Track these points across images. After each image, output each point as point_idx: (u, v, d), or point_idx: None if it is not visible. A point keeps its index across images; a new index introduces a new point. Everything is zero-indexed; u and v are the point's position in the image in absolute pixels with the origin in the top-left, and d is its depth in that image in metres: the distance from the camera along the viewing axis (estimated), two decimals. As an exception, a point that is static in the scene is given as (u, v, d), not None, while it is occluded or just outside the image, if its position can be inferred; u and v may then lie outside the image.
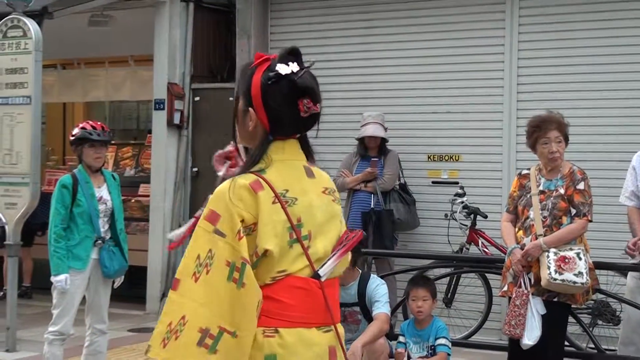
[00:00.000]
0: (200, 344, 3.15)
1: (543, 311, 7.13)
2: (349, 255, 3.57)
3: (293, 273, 3.33)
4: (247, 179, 3.31)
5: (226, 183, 3.31)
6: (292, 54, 3.47)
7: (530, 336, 7.13)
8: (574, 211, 7.27)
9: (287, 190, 3.35)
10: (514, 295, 7.24)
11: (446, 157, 10.93)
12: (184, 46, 12.40)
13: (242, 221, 3.24)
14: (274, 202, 3.30)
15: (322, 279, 3.36)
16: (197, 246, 3.26)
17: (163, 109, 12.30)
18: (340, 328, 3.48)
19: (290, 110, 3.40)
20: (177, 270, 3.27)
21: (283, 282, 3.31)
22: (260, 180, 3.31)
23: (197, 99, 12.52)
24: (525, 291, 7.19)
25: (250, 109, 3.41)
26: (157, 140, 12.42)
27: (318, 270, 3.36)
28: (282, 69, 3.39)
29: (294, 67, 3.42)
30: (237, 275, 3.19)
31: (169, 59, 12.31)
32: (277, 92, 3.38)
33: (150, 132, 12.86)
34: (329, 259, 3.41)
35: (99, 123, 8.52)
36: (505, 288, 7.40)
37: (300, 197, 3.39)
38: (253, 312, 3.20)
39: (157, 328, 3.25)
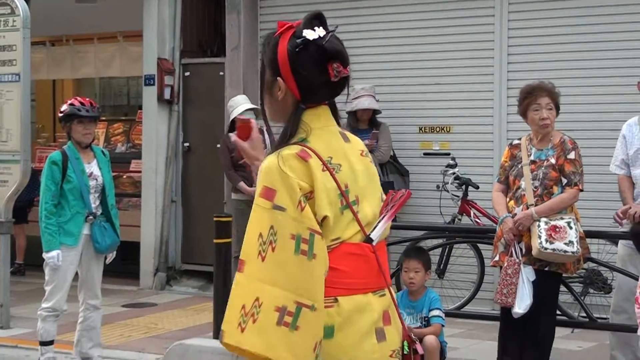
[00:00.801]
0: (279, 323, 3.08)
1: (533, 278, 7.16)
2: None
3: (346, 240, 3.29)
4: (292, 149, 3.26)
5: (272, 157, 3.24)
6: (317, 19, 3.40)
7: (521, 305, 7.16)
8: (565, 181, 7.29)
9: (331, 157, 3.32)
10: (505, 265, 7.26)
11: (437, 129, 10.93)
12: (173, 21, 12.39)
13: (300, 189, 3.19)
14: (323, 170, 3.26)
15: (374, 243, 3.33)
16: (257, 225, 3.19)
17: (153, 84, 12.29)
18: (392, 291, 3.44)
19: (320, 75, 3.33)
20: (241, 252, 3.20)
21: (338, 250, 3.28)
22: (306, 149, 3.27)
23: (187, 74, 12.51)
24: (517, 260, 7.22)
25: (278, 78, 3.35)
26: (148, 116, 12.42)
27: (370, 234, 3.33)
28: (309, 34, 3.32)
29: (320, 31, 3.36)
30: (305, 247, 3.14)
31: (158, 35, 12.29)
32: (306, 58, 3.32)
33: (140, 108, 12.85)
34: (379, 222, 3.38)
35: (87, 99, 8.53)
36: (497, 258, 7.43)
37: (344, 163, 3.36)
38: (323, 282, 3.17)
39: (228, 313, 3.15)
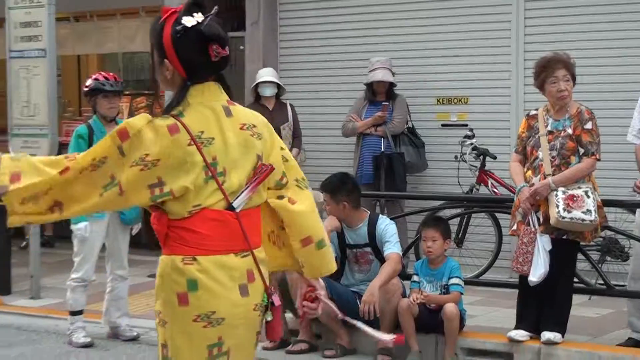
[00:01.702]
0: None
1: (549, 247, 7.15)
2: (264, 187, 3.77)
3: (208, 206, 3.59)
4: (166, 121, 3.60)
5: (144, 117, 3.65)
6: (196, 5, 3.68)
7: (535, 273, 7.16)
8: (582, 150, 7.28)
9: (202, 132, 3.60)
10: (522, 233, 7.27)
11: (455, 100, 10.90)
12: (195, -4, 12.32)
13: (147, 155, 3.54)
14: (189, 144, 3.56)
15: (237, 210, 3.62)
16: (100, 149, 3.62)
17: (175, 59, 12.22)
18: (260, 253, 3.72)
19: (201, 57, 3.64)
20: (75, 161, 3.63)
21: (198, 215, 3.59)
22: (178, 123, 3.58)
23: (208, 48, 12.44)
24: (533, 229, 7.23)
25: (165, 60, 3.68)
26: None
27: (232, 202, 3.61)
28: (188, 21, 3.62)
29: (198, 17, 3.63)
30: (115, 189, 3.58)
31: (179, 9, 12.23)
32: (187, 42, 3.63)
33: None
34: (242, 191, 3.65)
35: (111, 74, 8.58)
36: (515, 227, 7.44)
37: (217, 137, 3.63)
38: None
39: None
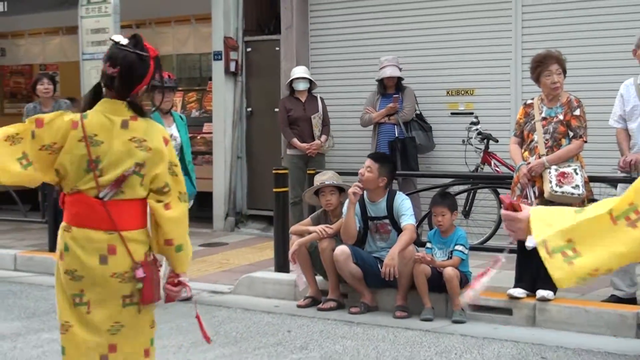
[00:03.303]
0: None
1: None
2: (134, 183, 4.00)
3: (83, 191, 3.98)
4: (74, 117, 4.00)
5: (62, 112, 4.05)
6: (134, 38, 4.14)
7: (532, 239, 7.16)
8: (571, 134, 7.31)
9: (96, 134, 3.95)
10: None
11: (462, 92, 10.90)
12: (237, 5, 12.43)
13: (53, 141, 3.97)
14: (79, 140, 3.95)
15: (104, 199, 3.95)
16: (14, 127, 4.04)
17: (221, 59, 12.36)
18: (132, 234, 3.99)
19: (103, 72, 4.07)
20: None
21: (75, 196, 4.01)
22: (79, 122, 3.97)
23: (249, 49, 12.55)
24: (530, 201, 7.26)
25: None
26: (217, 86, 12.51)
27: (99, 193, 3.95)
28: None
29: (121, 39, 4.13)
30: (24, 162, 4.00)
31: (224, 17, 12.34)
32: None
33: (210, 79, 12.93)
34: (107, 186, 3.96)
35: (166, 72, 8.63)
36: (514, 200, 7.45)
37: (106, 141, 3.95)
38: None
39: None
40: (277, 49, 12.13)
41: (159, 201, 3.98)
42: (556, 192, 7.15)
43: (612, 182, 8.09)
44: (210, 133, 12.77)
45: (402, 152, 10.16)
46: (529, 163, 7.32)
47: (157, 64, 4.13)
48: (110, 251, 3.97)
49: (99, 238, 3.97)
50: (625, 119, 7.50)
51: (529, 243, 7.10)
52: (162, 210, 3.96)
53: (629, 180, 7.35)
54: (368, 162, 7.89)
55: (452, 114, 10.92)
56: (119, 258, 3.98)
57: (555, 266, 2.82)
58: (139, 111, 4.04)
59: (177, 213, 4.00)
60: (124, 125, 3.98)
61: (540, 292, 7.33)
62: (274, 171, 9.01)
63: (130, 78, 4.01)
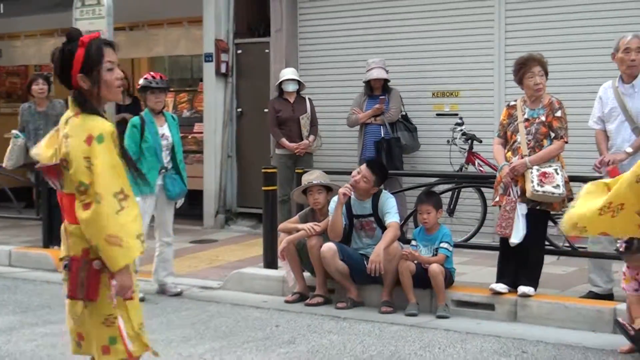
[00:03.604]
0: None
1: (525, 212, 7.22)
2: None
3: None
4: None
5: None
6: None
7: (517, 235, 7.23)
8: (553, 135, 7.33)
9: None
10: (504, 203, 7.33)
11: (447, 94, 10.93)
12: (227, 8, 12.45)
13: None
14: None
15: (63, 191, 4.01)
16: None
17: (212, 61, 12.38)
18: (71, 227, 3.95)
19: None
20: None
21: None
22: None
23: (239, 51, 12.56)
24: (514, 199, 7.29)
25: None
26: (208, 87, 12.52)
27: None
28: None
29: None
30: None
31: (216, 19, 12.36)
32: None
33: (202, 80, 12.93)
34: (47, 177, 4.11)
35: (158, 73, 8.65)
36: (497, 198, 7.50)
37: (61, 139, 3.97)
38: None
39: None
40: (267, 51, 12.14)
41: (80, 200, 3.84)
42: (538, 191, 7.17)
43: (591, 182, 8.08)
44: (201, 133, 12.78)
45: (387, 152, 10.17)
46: (512, 163, 7.34)
47: (91, 48, 3.92)
48: (65, 240, 4.04)
49: (63, 227, 4.05)
50: (604, 121, 7.52)
51: (514, 239, 7.19)
52: (80, 210, 3.82)
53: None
54: (365, 172, 7.82)
55: (437, 114, 10.95)
56: (62, 249, 4.03)
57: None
58: (82, 106, 3.94)
59: (88, 214, 3.79)
60: (67, 121, 3.97)
61: (522, 288, 7.35)
62: (263, 170, 9.00)
63: (60, 69, 3.95)
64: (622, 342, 6.35)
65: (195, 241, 11.32)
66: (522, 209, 7.25)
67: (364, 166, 7.93)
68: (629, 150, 7.28)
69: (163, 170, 8.28)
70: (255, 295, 8.43)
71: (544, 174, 7.23)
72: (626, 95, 7.39)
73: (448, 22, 10.82)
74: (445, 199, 9.85)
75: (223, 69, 12.36)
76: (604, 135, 7.52)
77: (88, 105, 3.94)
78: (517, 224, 7.24)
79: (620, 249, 6.28)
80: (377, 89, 10.44)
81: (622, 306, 6.88)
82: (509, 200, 7.31)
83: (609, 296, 7.49)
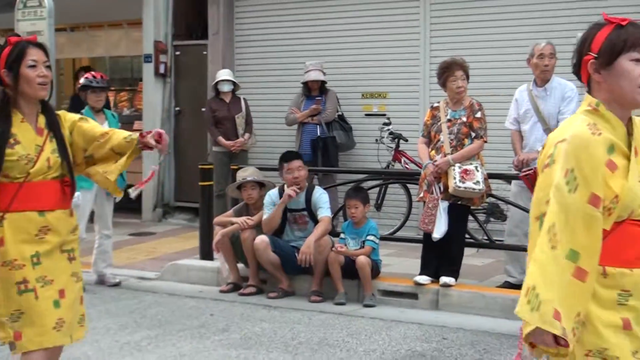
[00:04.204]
0: None
1: (446, 206, 7.31)
2: None
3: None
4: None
5: None
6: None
7: (438, 231, 7.31)
8: (473, 134, 7.42)
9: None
10: (427, 200, 7.40)
11: (376, 95, 11.00)
12: (166, 11, 12.36)
13: None
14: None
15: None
16: None
17: (151, 61, 12.29)
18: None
19: None
20: None
21: None
22: None
23: (177, 53, 12.48)
24: (436, 197, 7.36)
25: None
26: (147, 86, 12.42)
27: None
28: None
29: None
30: None
31: (155, 22, 12.27)
32: None
33: (141, 80, 12.81)
34: None
35: (98, 73, 8.58)
36: (421, 194, 7.57)
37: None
38: None
39: None
40: (205, 53, 12.09)
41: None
42: (460, 187, 7.27)
43: (507, 178, 8.19)
44: (141, 130, 12.63)
45: (323, 150, 10.20)
46: (436, 161, 7.42)
47: (16, 46, 3.98)
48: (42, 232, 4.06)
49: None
50: (519, 122, 7.64)
51: (436, 234, 7.25)
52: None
53: (515, 177, 7.52)
54: (297, 163, 7.87)
55: (366, 115, 11.01)
56: None
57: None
58: (4, 102, 4.02)
59: None
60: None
61: (443, 279, 7.45)
62: (200, 166, 8.98)
63: None
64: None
65: (133, 234, 11.22)
66: (444, 207, 7.34)
67: (299, 162, 7.91)
68: (540, 149, 7.38)
69: (103, 166, 8.19)
70: (191, 286, 8.39)
71: (465, 171, 7.32)
72: (539, 98, 7.51)
73: (377, 28, 10.88)
74: (373, 194, 9.93)
75: (162, 70, 12.28)
76: (518, 135, 7.64)
77: (10, 100, 3.98)
78: (439, 220, 7.33)
79: None
80: (315, 90, 10.46)
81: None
82: (431, 198, 7.39)
83: (522, 286, 7.59)
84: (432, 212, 7.37)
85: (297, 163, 7.86)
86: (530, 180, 2.64)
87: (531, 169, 6.56)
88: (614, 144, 2.70)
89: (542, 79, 7.51)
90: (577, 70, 2.84)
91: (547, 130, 7.47)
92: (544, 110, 7.47)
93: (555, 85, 7.50)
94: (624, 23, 2.73)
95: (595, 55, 2.73)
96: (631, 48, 2.69)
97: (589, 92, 2.82)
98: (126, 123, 12.51)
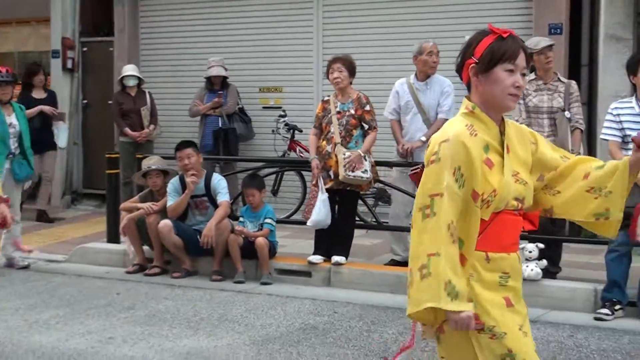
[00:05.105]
0: None
1: (327, 202, 7.38)
2: None
3: None
4: None
5: None
6: None
7: (312, 220, 7.44)
8: (366, 126, 7.47)
9: None
10: (310, 192, 7.49)
11: (273, 89, 10.99)
12: (74, 9, 12.11)
13: None
14: None
15: None
16: None
17: (59, 57, 12.04)
18: None
19: None
20: None
21: None
22: None
23: (85, 49, 12.23)
24: (316, 189, 7.44)
25: None
26: (55, 80, 12.09)
27: None
28: None
29: None
30: None
31: (62, 19, 12.01)
32: None
33: (49, 74, 12.48)
34: None
35: (4, 67, 8.39)
36: (314, 181, 7.59)
37: None
38: None
39: None
40: (111, 49, 11.88)
41: None
42: (349, 175, 7.32)
43: (391, 165, 8.16)
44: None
45: (224, 140, 10.14)
46: (327, 151, 7.43)
47: None
48: None
49: None
50: (399, 112, 7.74)
51: (309, 223, 7.31)
52: None
53: (406, 165, 7.63)
54: (187, 150, 7.82)
55: (263, 107, 11.00)
56: None
57: None
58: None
59: None
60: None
61: (335, 258, 7.51)
62: (106, 155, 8.86)
63: None
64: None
65: (43, 219, 10.91)
66: (322, 198, 7.40)
67: (190, 149, 7.86)
68: (423, 138, 7.55)
69: (10, 156, 7.98)
70: (98, 267, 8.23)
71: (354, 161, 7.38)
72: (420, 91, 7.64)
73: (273, 27, 10.87)
74: (271, 181, 9.94)
75: (69, 65, 12.02)
76: (398, 125, 7.75)
77: None
78: (315, 210, 7.40)
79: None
80: (217, 84, 10.36)
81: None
82: (313, 191, 7.49)
83: (406, 263, 7.66)
84: (312, 202, 7.47)
85: (187, 151, 7.82)
86: (418, 177, 2.71)
87: (418, 167, 6.67)
88: (488, 143, 2.79)
89: (427, 74, 7.63)
90: (460, 70, 2.90)
91: (427, 121, 7.61)
92: (424, 102, 7.59)
93: (436, 80, 7.65)
94: (505, 35, 2.80)
95: (477, 61, 2.80)
96: (507, 60, 2.77)
97: (468, 91, 2.89)
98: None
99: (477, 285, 2.75)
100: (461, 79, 2.91)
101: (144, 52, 11.81)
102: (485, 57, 2.78)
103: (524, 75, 2.82)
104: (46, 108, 10.52)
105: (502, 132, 2.85)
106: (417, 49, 7.67)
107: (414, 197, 7.68)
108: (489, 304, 2.75)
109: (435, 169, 2.73)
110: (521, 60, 2.79)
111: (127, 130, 10.45)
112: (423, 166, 2.89)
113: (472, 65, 2.81)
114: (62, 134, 10.58)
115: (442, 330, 2.79)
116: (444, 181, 2.70)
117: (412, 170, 6.95)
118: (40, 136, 10.15)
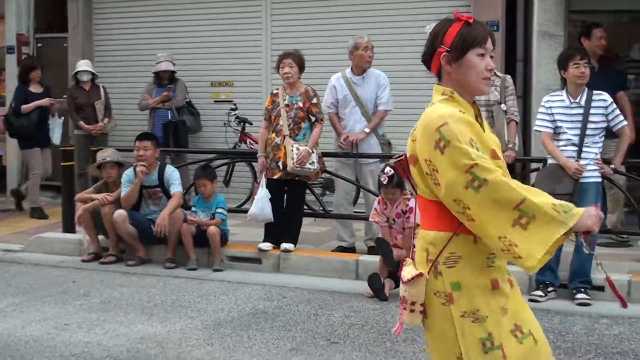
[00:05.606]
0: None
1: (269, 197, 7.40)
2: None
3: None
4: None
5: None
6: None
7: (250, 213, 7.47)
8: (313, 118, 7.48)
9: None
10: (255, 188, 7.51)
11: (224, 83, 10.95)
12: (28, 6, 11.91)
13: None
14: None
15: None
16: None
17: (14, 52, 11.84)
18: None
19: None
20: None
21: None
22: None
23: (39, 45, 12.04)
24: (256, 183, 7.46)
25: None
26: (10, 76, 11.89)
27: None
28: None
29: None
30: None
31: (17, 16, 11.83)
32: None
33: (4, 70, 12.29)
34: None
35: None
36: (266, 173, 7.59)
37: None
38: None
39: None
40: (65, 45, 11.71)
41: None
42: (297, 167, 7.33)
43: (334, 156, 8.11)
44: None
45: (174, 132, 10.07)
46: (275, 144, 7.43)
47: None
48: None
49: None
50: (336, 106, 7.76)
51: (249, 216, 7.29)
52: None
53: (349, 155, 7.67)
54: (145, 143, 7.76)
55: (215, 101, 10.95)
56: None
57: None
58: None
59: None
60: None
61: (284, 245, 7.51)
62: (62, 148, 8.74)
63: None
64: (362, 287, 6.63)
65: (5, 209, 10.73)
66: (262, 193, 7.42)
67: (149, 143, 7.80)
68: (367, 130, 7.59)
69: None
70: (54, 257, 8.13)
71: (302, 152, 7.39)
72: (357, 85, 7.68)
73: (223, 24, 10.84)
74: (222, 171, 9.90)
75: (24, 60, 11.82)
76: (336, 117, 7.78)
77: None
78: (255, 204, 7.42)
79: (383, 182, 6.45)
80: (165, 79, 10.28)
81: (363, 257, 7.20)
82: (257, 186, 7.51)
83: (352, 249, 7.78)
84: (253, 196, 7.55)
85: (145, 143, 7.77)
86: (402, 165, 2.63)
87: (401, 156, 6.71)
88: (472, 123, 2.73)
89: (363, 68, 7.67)
90: (428, 60, 2.83)
91: (365, 113, 7.65)
92: (362, 95, 7.64)
93: (371, 74, 7.70)
94: (471, 21, 2.78)
95: (448, 49, 2.76)
96: (478, 45, 2.74)
97: (439, 80, 2.83)
98: (-10, 109, 12.01)
99: (465, 268, 2.68)
100: (428, 69, 2.85)
101: (98, 48, 11.67)
102: (457, 44, 2.74)
103: (492, 57, 2.80)
104: (44, 100, 10.26)
105: (477, 114, 2.81)
106: (353, 45, 7.70)
107: (355, 184, 7.78)
108: (474, 287, 2.67)
109: (450, 152, 2.61)
110: (489, 43, 2.78)
111: (82, 123, 10.32)
112: (406, 156, 2.83)
113: (443, 54, 2.76)
114: (57, 129, 10.33)
115: (426, 315, 2.74)
116: (468, 154, 2.59)
117: (396, 158, 6.97)
118: (39, 131, 10.07)
